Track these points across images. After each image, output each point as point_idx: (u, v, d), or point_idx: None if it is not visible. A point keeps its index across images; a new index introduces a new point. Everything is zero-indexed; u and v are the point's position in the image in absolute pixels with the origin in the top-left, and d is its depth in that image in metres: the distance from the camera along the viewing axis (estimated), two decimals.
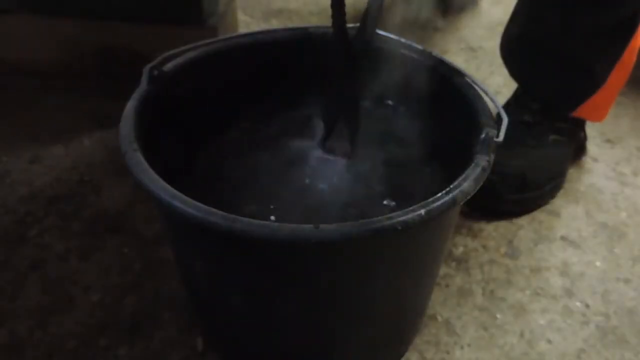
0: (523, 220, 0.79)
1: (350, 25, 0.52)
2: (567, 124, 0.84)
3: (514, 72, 0.86)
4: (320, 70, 0.55)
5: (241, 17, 1.22)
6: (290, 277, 0.48)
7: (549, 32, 0.79)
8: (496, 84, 1.06)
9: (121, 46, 0.95)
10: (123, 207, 0.77)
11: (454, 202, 0.43)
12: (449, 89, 0.57)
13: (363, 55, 0.52)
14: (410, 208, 0.42)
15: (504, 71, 0.88)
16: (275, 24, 1.25)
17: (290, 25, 0.60)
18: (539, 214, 0.80)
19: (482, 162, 0.47)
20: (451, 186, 0.44)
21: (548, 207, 0.81)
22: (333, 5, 0.49)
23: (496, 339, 0.63)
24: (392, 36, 0.61)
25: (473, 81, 0.56)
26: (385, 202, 0.54)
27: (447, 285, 0.69)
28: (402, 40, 0.61)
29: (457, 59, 1.14)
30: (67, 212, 0.76)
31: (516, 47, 0.84)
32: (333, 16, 0.50)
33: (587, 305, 0.68)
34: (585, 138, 0.90)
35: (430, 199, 0.43)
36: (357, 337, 0.55)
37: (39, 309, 0.64)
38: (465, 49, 1.19)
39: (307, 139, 0.58)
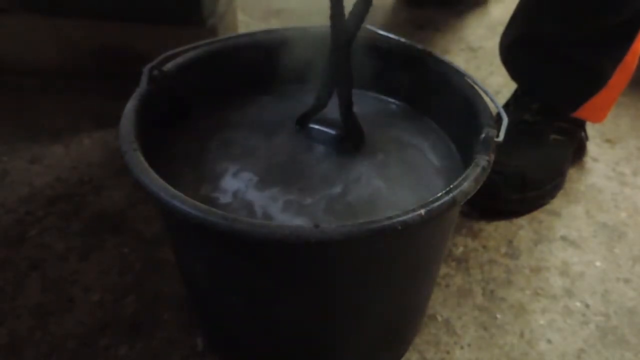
0: (523, 220, 0.79)
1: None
2: (567, 123, 0.84)
3: (515, 75, 0.86)
4: (318, 68, 0.55)
5: (241, 17, 1.22)
6: (290, 277, 0.48)
7: (551, 33, 0.79)
8: (496, 84, 1.06)
9: (121, 46, 0.95)
10: (123, 207, 0.77)
11: (453, 202, 0.43)
12: (449, 89, 0.57)
13: (353, 34, 0.52)
14: (410, 208, 0.42)
15: (504, 71, 0.88)
16: (275, 24, 1.25)
17: (290, 25, 0.60)
18: (539, 214, 0.80)
19: (482, 162, 0.47)
20: (451, 186, 0.44)
21: (548, 207, 0.81)
22: None
23: (496, 339, 0.63)
24: (392, 36, 0.61)
25: (473, 81, 0.56)
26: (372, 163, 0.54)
27: (447, 285, 0.69)
28: (402, 39, 0.61)
29: (457, 59, 1.14)
30: (67, 212, 0.76)
31: (517, 50, 0.83)
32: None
33: (587, 305, 0.68)
34: (586, 138, 0.90)
35: (431, 199, 0.43)
36: (357, 337, 0.55)
37: (39, 309, 0.64)
38: (465, 49, 1.19)
39: (304, 132, 0.59)
